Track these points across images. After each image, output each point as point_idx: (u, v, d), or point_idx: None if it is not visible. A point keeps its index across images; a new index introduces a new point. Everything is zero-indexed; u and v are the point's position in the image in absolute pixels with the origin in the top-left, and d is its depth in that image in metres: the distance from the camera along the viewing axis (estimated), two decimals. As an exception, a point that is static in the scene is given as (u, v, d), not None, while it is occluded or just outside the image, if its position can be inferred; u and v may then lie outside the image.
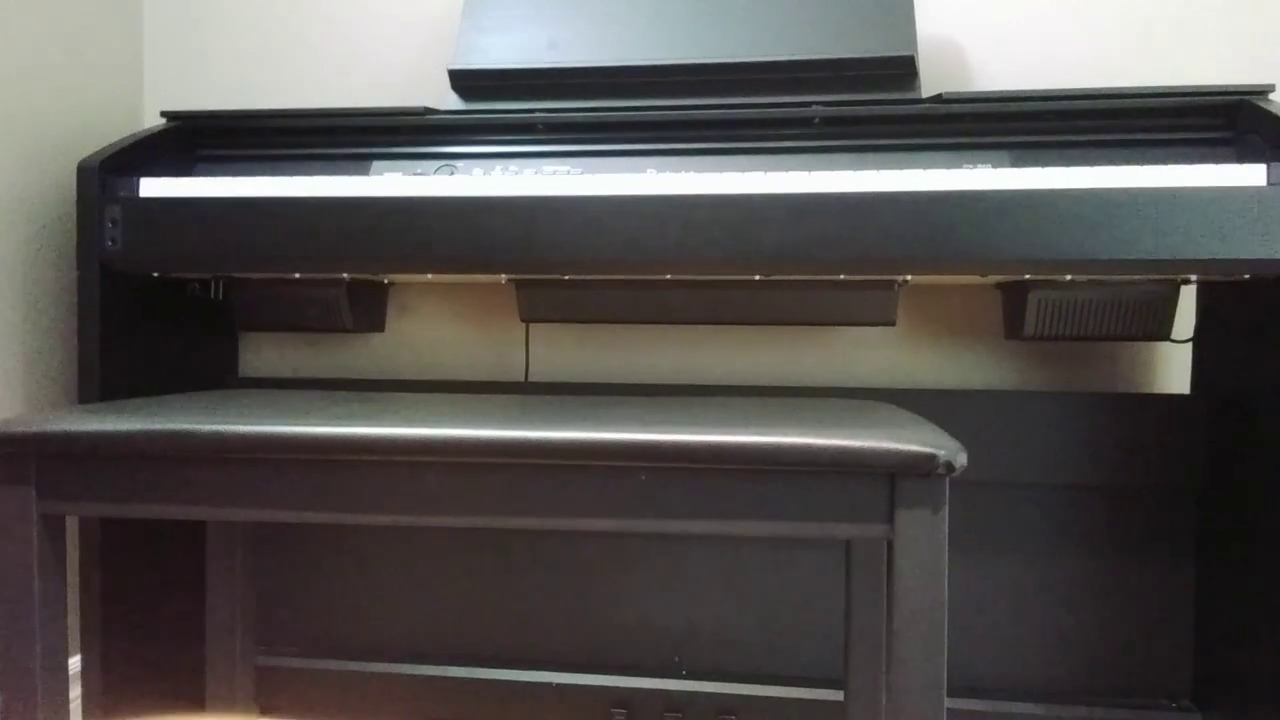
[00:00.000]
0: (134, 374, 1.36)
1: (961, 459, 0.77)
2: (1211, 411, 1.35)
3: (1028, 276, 1.20)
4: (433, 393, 1.21)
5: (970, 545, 1.42)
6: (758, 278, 1.26)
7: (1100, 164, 1.15)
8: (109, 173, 1.27)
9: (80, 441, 0.84)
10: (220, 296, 1.46)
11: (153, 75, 1.71)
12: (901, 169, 1.14)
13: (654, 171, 1.22)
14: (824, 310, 1.30)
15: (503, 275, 1.26)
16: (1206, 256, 1.08)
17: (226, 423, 0.83)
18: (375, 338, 1.67)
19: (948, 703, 1.38)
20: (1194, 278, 1.24)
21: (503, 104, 1.38)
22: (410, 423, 0.82)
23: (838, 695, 1.40)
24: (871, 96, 1.31)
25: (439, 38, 1.65)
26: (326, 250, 1.21)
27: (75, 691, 1.38)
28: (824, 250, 1.13)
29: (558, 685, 1.45)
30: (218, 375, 1.59)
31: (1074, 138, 1.26)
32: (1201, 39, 1.47)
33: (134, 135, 1.35)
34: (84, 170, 1.27)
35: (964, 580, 1.42)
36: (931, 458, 0.76)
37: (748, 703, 1.42)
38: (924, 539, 0.77)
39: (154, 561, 1.41)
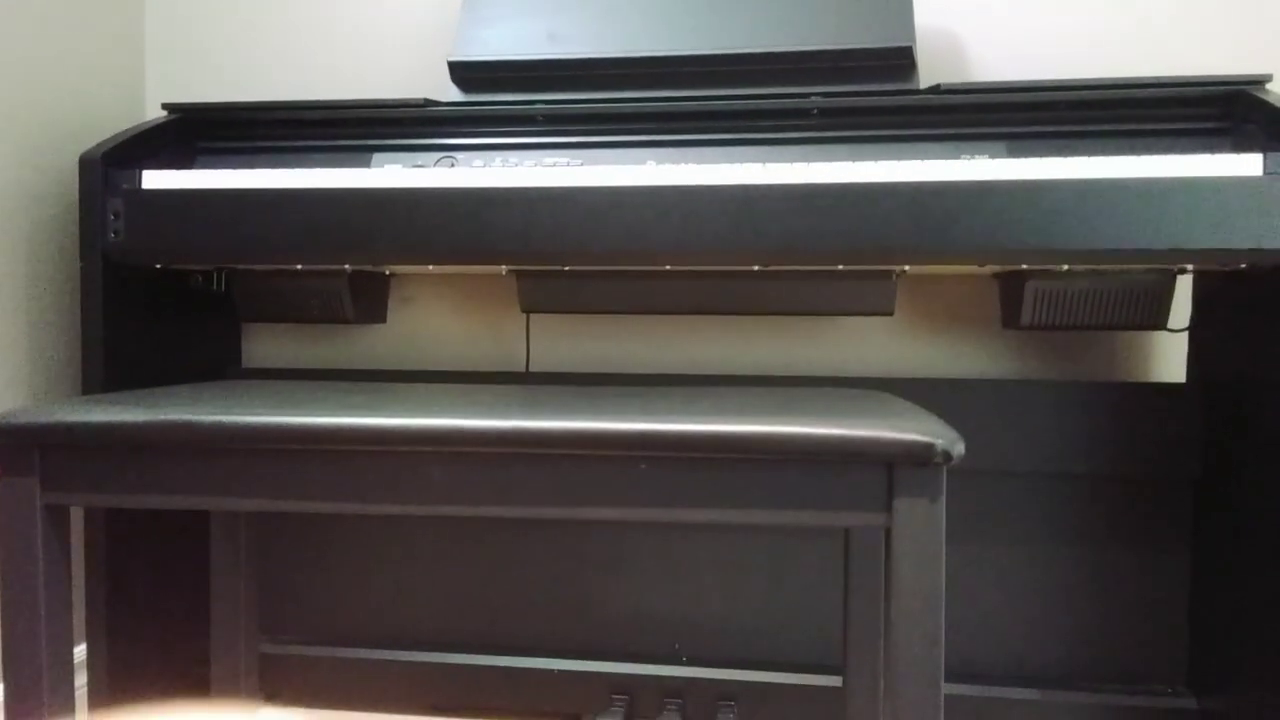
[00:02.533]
0: (137, 365, 1.37)
1: (959, 448, 0.78)
2: (1207, 400, 1.35)
3: (1025, 266, 1.20)
4: (434, 383, 1.22)
5: (967, 533, 1.43)
6: (757, 268, 1.26)
7: (1097, 154, 1.15)
8: (111, 165, 1.28)
9: (84, 432, 0.85)
10: (222, 288, 1.47)
11: (154, 68, 1.71)
12: (899, 159, 1.15)
13: (654, 163, 1.22)
14: (822, 300, 1.30)
15: (503, 266, 1.27)
16: (1203, 246, 1.09)
17: (229, 413, 0.84)
18: (377, 329, 1.67)
19: (945, 689, 1.39)
20: (1190, 267, 1.24)
21: (503, 95, 1.39)
22: (412, 413, 0.83)
23: (836, 681, 1.41)
24: (870, 87, 1.31)
25: (439, 29, 1.65)
26: (328, 242, 1.22)
27: (80, 680, 1.39)
28: (822, 240, 1.14)
29: (559, 672, 1.47)
30: (220, 366, 1.60)
31: (1071, 128, 1.26)
32: (1199, 29, 1.47)
33: (136, 127, 1.36)
34: (86, 162, 1.27)
35: (961, 568, 1.43)
36: (929, 447, 0.77)
37: (747, 689, 1.43)
38: (921, 527, 0.78)
39: (158, 551, 1.42)
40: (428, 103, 1.36)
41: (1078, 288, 1.25)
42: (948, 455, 0.77)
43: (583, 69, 1.38)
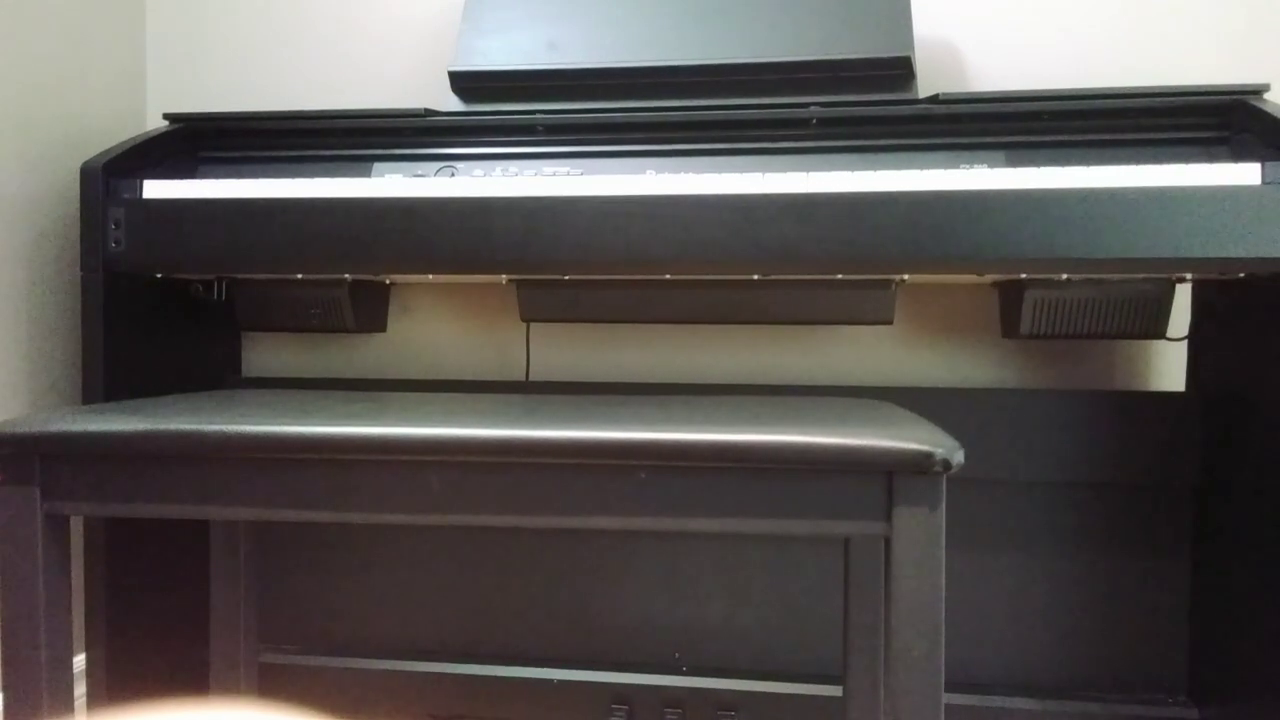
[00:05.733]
0: (137, 374, 1.37)
1: (958, 457, 0.78)
2: (1207, 409, 1.35)
3: (1024, 275, 1.20)
4: (434, 392, 1.22)
5: (967, 542, 1.42)
6: (756, 277, 1.26)
7: (1096, 164, 1.15)
8: (112, 175, 1.28)
9: (84, 442, 0.85)
10: (223, 297, 1.47)
11: (155, 78, 1.72)
12: (898, 169, 1.15)
13: (653, 172, 1.22)
14: (822, 310, 1.30)
15: (503, 275, 1.27)
16: (1201, 255, 1.09)
17: (229, 423, 0.84)
18: (377, 338, 1.67)
19: (945, 698, 1.39)
20: (1189, 276, 1.24)
21: (503, 105, 1.39)
22: (412, 422, 0.83)
23: (836, 691, 1.41)
24: (869, 97, 1.32)
25: (439, 39, 1.66)
26: (328, 251, 1.22)
27: (80, 690, 1.39)
28: (821, 250, 1.14)
29: (558, 682, 1.46)
30: (220, 375, 1.60)
31: (1070, 137, 1.26)
32: (1197, 39, 1.48)
33: (137, 137, 1.36)
34: (87, 172, 1.27)
35: (961, 577, 1.43)
36: (929, 456, 0.77)
37: (747, 699, 1.42)
38: (921, 536, 0.78)
39: (157, 560, 1.42)
40: (428, 112, 1.37)
41: (1077, 297, 1.26)
42: (947, 464, 0.77)
43: (583, 79, 1.38)
